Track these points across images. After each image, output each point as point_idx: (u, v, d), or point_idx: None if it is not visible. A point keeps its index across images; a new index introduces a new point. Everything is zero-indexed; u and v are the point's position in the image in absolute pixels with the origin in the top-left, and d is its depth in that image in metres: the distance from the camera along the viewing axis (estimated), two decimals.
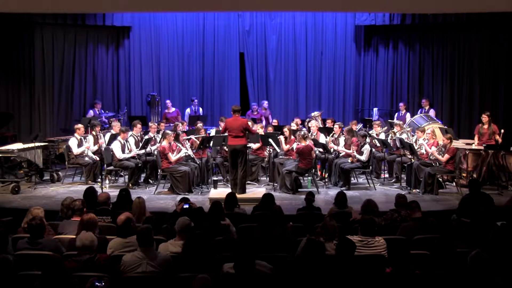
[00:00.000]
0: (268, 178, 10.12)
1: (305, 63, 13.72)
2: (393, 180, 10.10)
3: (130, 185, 9.43)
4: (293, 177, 9.16)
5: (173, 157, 9.11)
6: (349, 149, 9.68)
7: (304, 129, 10.42)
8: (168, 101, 12.78)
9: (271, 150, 10.11)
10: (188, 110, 12.87)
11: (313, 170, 9.76)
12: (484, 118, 9.99)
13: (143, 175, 9.95)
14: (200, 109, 13.05)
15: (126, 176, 10.02)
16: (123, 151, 9.63)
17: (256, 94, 13.78)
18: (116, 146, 9.57)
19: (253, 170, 9.96)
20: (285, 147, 9.75)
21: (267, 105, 12.94)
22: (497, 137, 9.84)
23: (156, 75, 13.73)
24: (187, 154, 9.45)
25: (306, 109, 13.65)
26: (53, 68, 13.03)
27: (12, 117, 12.16)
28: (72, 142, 9.84)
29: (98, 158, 9.90)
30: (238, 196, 7.21)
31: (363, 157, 9.37)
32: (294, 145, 9.50)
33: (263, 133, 10.19)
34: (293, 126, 10.77)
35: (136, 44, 13.58)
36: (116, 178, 10.32)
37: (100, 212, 6.14)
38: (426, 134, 9.51)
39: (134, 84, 13.65)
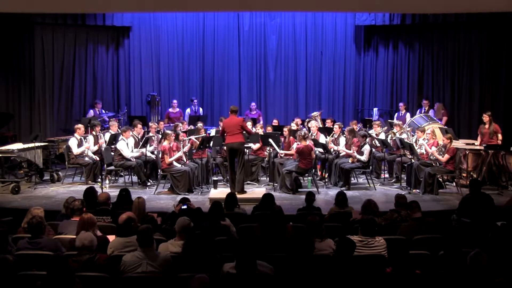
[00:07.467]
0: (268, 178, 10.12)
1: (305, 63, 13.72)
2: (393, 180, 10.09)
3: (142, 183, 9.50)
4: (293, 177, 9.16)
5: (170, 158, 9.08)
6: (350, 149, 9.68)
7: (304, 129, 10.41)
8: (175, 101, 12.82)
9: (271, 150, 10.11)
10: (188, 110, 12.88)
11: (313, 170, 9.76)
12: (485, 118, 9.98)
13: None
14: (200, 109, 13.06)
15: (126, 176, 10.03)
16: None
17: (259, 94, 13.78)
18: (123, 145, 9.58)
19: (253, 170, 9.95)
20: (283, 151, 9.74)
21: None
22: (500, 136, 9.81)
23: (156, 75, 13.73)
24: (182, 155, 9.39)
25: (306, 109, 13.64)
26: (53, 68, 13.02)
27: (12, 117, 12.15)
28: (72, 142, 9.84)
29: (98, 158, 9.90)
30: (238, 196, 7.21)
31: (363, 157, 9.37)
32: (294, 145, 9.49)
33: (263, 133, 10.19)
34: (293, 126, 10.77)
35: (136, 44, 13.58)
36: (116, 178, 10.32)
37: (100, 212, 6.13)
38: (426, 134, 9.52)
39: (134, 84, 13.66)
